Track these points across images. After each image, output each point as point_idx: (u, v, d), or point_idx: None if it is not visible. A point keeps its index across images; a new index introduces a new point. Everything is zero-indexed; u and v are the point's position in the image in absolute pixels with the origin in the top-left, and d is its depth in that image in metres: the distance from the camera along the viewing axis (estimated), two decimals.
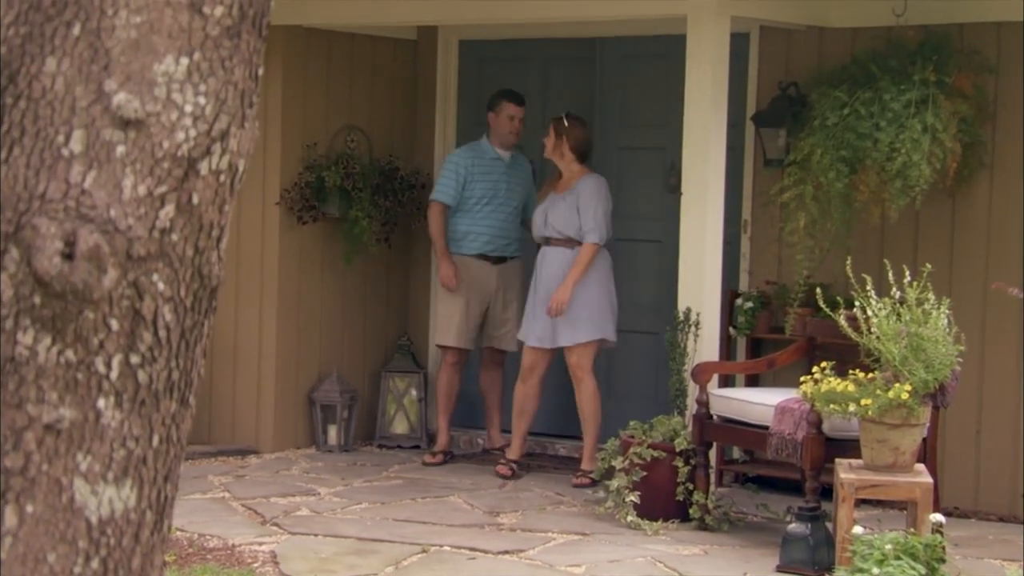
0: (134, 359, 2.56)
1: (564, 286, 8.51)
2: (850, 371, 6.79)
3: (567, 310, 8.53)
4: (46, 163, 2.50)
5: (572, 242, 8.59)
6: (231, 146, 2.60)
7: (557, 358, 8.81)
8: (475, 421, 9.79)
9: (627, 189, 9.31)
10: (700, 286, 7.96)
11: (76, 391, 2.52)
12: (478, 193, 9.12)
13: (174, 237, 2.57)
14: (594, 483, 8.41)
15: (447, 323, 9.22)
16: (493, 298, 9.23)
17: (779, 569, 6.84)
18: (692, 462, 7.66)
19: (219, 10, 2.57)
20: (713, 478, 7.88)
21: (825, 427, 7.00)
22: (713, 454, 7.89)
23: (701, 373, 7.67)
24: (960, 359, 6.70)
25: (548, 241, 8.69)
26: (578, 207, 8.54)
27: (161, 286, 2.57)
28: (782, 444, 7.14)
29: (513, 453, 8.92)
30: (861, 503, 7.25)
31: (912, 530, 6.35)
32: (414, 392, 9.66)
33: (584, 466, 8.65)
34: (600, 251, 8.59)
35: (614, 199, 8.97)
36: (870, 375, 6.68)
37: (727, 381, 8.44)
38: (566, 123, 8.64)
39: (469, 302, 9.17)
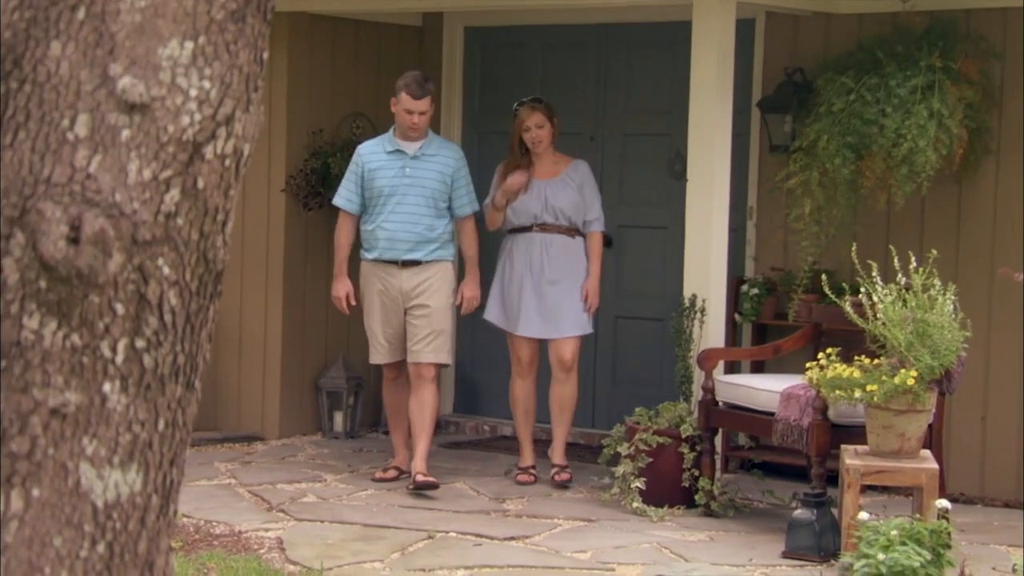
0: (139, 343, 2.56)
1: (593, 282, 8.28)
2: (856, 357, 6.78)
3: (566, 303, 8.35)
4: (51, 147, 2.50)
5: (572, 230, 8.33)
6: (236, 130, 2.60)
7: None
8: (480, 408, 9.78)
9: (632, 176, 9.30)
10: (706, 272, 7.95)
11: (82, 375, 2.52)
12: (376, 190, 8.22)
13: (179, 221, 2.57)
14: (571, 477, 8.28)
15: (370, 340, 8.39)
16: (406, 305, 8.23)
17: (785, 555, 6.84)
18: (698, 448, 7.65)
19: None
20: (719, 464, 7.89)
21: (831, 413, 7.00)
22: (719, 440, 7.89)
23: (707, 359, 7.66)
24: (966, 345, 6.69)
25: (544, 227, 8.32)
26: (583, 194, 8.38)
27: (166, 270, 2.57)
28: (788, 430, 7.14)
29: (527, 459, 8.43)
30: (867, 489, 7.26)
31: (918, 516, 6.35)
32: None
33: (559, 461, 8.37)
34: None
35: (620, 185, 8.90)
36: (876, 361, 6.68)
37: (733, 367, 8.43)
38: (547, 106, 8.37)
39: (385, 314, 8.26)
